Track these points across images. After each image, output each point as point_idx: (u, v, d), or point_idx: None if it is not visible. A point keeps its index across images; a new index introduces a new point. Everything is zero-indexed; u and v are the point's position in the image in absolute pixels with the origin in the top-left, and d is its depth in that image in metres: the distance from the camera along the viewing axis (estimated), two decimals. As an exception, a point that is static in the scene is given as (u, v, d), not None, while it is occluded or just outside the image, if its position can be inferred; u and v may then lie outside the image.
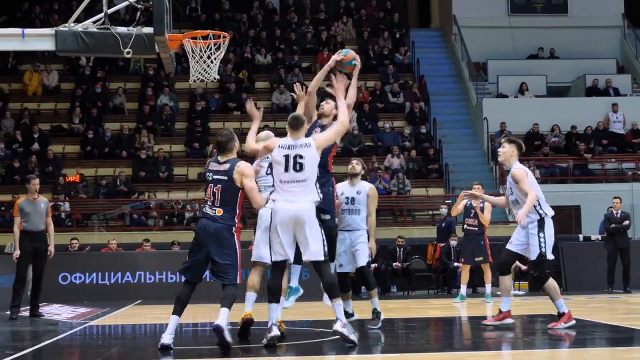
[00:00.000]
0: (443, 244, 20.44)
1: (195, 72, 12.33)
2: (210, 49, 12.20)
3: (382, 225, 24.66)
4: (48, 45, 11.92)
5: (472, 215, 16.43)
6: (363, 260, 10.85)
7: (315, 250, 8.98)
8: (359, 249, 10.84)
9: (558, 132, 28.24)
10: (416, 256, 21.04)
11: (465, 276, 16.72)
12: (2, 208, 24.29)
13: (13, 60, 29.63)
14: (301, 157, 9.05)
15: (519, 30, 31.82)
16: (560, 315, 10.42)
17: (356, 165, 11.34)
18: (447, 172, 26.52)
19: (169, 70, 14.03)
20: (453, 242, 19.98)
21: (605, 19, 32.36)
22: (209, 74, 12.35)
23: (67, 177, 25.37)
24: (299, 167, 9.05)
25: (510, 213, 20.78)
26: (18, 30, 11.99)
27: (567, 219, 25.78)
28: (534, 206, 10.48)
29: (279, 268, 9.20)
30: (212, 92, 29.10)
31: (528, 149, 27.41)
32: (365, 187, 11.20)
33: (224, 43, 12.25)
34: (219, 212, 9.03)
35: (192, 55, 12.24)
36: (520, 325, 11.03)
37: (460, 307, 15.10)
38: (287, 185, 9.04)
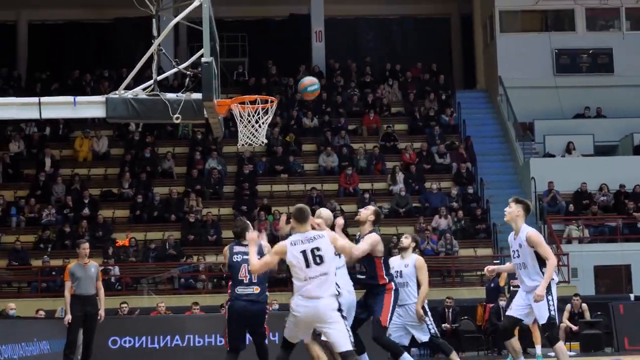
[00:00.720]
0: (492, 305, 20.22)
1: (243, 136, 12.36)
2: (258, 114, 12.27)
3: (430, 286, 24.50)
4: (99, 112, 12.11)
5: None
6: (424, 336, 11.02)
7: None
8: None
9: (606, 191, 28.01)
10: (465, 317, 20.85)
11: (537, 335, 16.12)
12: (53, 273, 24.53)
13: (64, 127, 30.13)
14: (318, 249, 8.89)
15: (564, 89, 31.74)
16: None
17: (404, 239, 11.55)
18: (495, 232, 26.35)
19: (217, 134, 14.15)
20: (502, 303, 19.68)
21: (652, 78, 32.21)
22: (257, 138, 12.38)
23: (117, 241, 25.60)
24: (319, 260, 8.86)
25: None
26: (70, 98, 12.19)
27: (617, 278, 25.51)
28: (541, 271, 10.15)
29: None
30: (259, 155, 29.30)
31: (576, 208, 27.27)
32: (413, 259, 11.29)
33: (271, 107, 12.33)
34: (257, 289, 9.10)
35: (240, 120, 12.31)
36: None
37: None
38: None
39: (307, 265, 8.75)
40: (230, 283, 10.03)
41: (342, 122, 30.88)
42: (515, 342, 10.57)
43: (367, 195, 27.20)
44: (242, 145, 12.55)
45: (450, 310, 20.63)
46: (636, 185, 27.92)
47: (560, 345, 10.28)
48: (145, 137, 29.66)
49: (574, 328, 19.55)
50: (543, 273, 10.11)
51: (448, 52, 36.48)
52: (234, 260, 9.56)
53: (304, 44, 34.25)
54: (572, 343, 19.78)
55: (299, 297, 8.76)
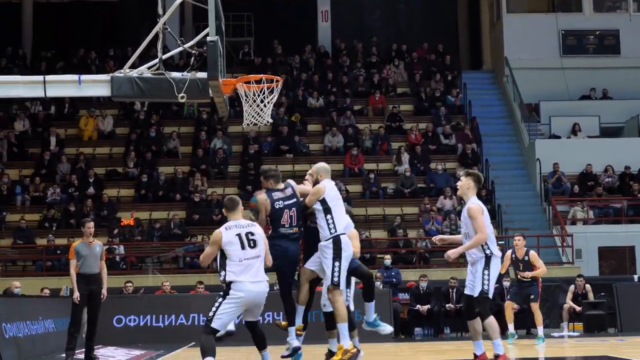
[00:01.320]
0: (496, 285, 20.22)
1: (248, 115, 12.38)
2: (264, 93, 12.28)
3: (434, 266, 24.61)
4: (104, 91, 12.13)
5: (521, 268, 16.43)
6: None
7: None
8: None
9: (611, 173, 28.01)
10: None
11: (509, 314, 16.48)
12: (58, 252, 24.61)
13: (69, 106, 30.15)
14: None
15: (571, 71, 31.69)
16: (496, 356, 10.11)
17: None
18: (500, 213, 26.36)
19: (223, 114, 14.16)
20: (506, 283, 19.72)
21: (658, 60, 32.12)
22: (262, 117, 12.39)
23: (122, 220, 25.66)
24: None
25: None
26: (75, 77, 12.22)
27: (621, 259, 25.52)
28: (481, 245, 10.16)
29: None
30: (264, 135, 29.32)
31: (581, 189, 27.27)
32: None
33: (277, 87, 12.33)
34: (296, 230, 10.19)
35: (246, 99, 12.32)
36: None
37: (511, 348, 14.84)
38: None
39: (243, 247, 9.43)
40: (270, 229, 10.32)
41: (348, 103, 30.87)
42: (477, 324, 10.27)
43: (372, 176, 27.21)
44: (247, 124, 12.57)
45: (454, 290, 20.66)
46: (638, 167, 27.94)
47: (490, 321, 10.14)
48: (151, 117, 29.67)
49: (577, 309, 19.58)
50: (482, 248, 10.15)
51: (454, 33, 36.37)
52: (277, 207, 10.15)
53: (310, 24, 34.21)
54: (575, 324, 19.83)
55: (242, 281, 9.35)
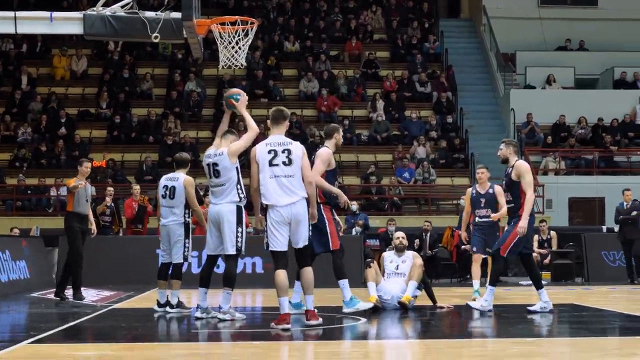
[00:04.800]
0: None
1: (223, 57, 12.33)
2: (239, 35, 12.20)
3: (406, 214, 24.73)
4: (76, 29, 12.00)
5: (482, 205, 13.94)
6: None
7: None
8: None
9: (584, 124, 28.12)
10: (440, 245, 21.04)
11: (477, 270, 14.02)
12: (29, 192, 24.50)
13: (41, 44, 29.81)
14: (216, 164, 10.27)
15: (548, 21, 31.69)
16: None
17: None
18: (472, 162, 26.45)
19: (197, 55, 14.07)
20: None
21: (635, 12, 32.09)
22: (236, 60, 12.34)
23: (94, 161, 25.49)
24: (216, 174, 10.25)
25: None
26: (46, 14, 12.07)
27: (591, 210, 25.74)
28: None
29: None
30: (239, 78, 29.16)
31: (554, 140, 27.41)
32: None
33: (252, 29, 12.25)
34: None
35: (221, 41, 12.25)
36: (536, 315, 10.99)
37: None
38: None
39: (210, 177, 10.28)
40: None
41: (324, 48, 30.71)
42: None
43: (346, 122, 27.19)
44: (222, 67, 12.52)
45: (428, 235, 20.76)
46: (614, 119, 28.05)
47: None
48: (125, 57, 29.41)
49: (543, 252, 19.80)
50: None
51: (432, -20, 36.18)
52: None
53: (287, -33, 33.87)
54: (543, 272, 20.00)
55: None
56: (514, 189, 11.22)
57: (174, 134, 26.43)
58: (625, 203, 19.64)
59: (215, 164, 10.29)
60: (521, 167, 11.18)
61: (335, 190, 10.84)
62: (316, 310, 9.42)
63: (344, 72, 29.94)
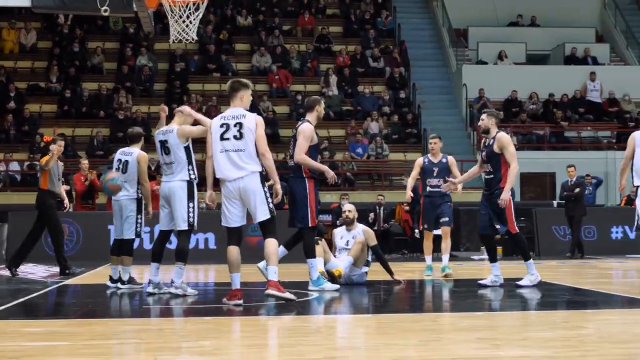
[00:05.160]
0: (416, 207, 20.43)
1: (174, 31, 12.24)
2: (189, 9, 12.10)
3: (360, 189, 24.78)
4: (23, 1, 11.83)
5: (435, 174, 13.53)
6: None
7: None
8: None
9: (536, 100, 28.35)
10: (393, 220, 21.11)
11: (428, 245, 13.74)
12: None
13: (-10, 17, 29.36)
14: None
15: (500, -4, 31.85)
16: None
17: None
18: (425, 137, 26.53)
19: (148, 29, 13.96)
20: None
21: (586, -12, 32.39)
22: (187, 34, 12.26)
23: (44, 136, 25.22)
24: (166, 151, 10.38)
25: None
26: (-7, -14, 11.89)
27: (542, 185, 26.00)
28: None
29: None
30: (191, 53, 28.96)
31: (506, 115, 27.57)
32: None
33: (202, 3, 12.16)
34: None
35: (171, 15, 12.15)
36: (487, 289, 11.08)
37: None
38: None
39: (160, 154, 10.38)
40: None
41: (277, 22, 30.58)
42: None
43: (299, 97, 27.13)
44: (173, 41, 12.42)
45: (382, 209, 20.81)
46: (565, 94, 28.30)
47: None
48: (75, 31, 29.06)
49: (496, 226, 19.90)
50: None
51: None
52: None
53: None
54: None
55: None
56: (495, 161, 11.22)
57: (126, 109, 26.20)
58: (569, 179, 19.83)
59: (164, 141, 10.30)
60: (504, 138, 11.24)
61: (321, 167, 10.78)
62: (278, 281, 9.28)
63: (296, 47, 29.86)
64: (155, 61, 28.68)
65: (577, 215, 19.44)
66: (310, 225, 10.66)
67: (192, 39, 12.51)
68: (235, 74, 28.23)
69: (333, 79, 28.17)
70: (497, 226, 11.16)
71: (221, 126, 9.23)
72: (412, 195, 14.29)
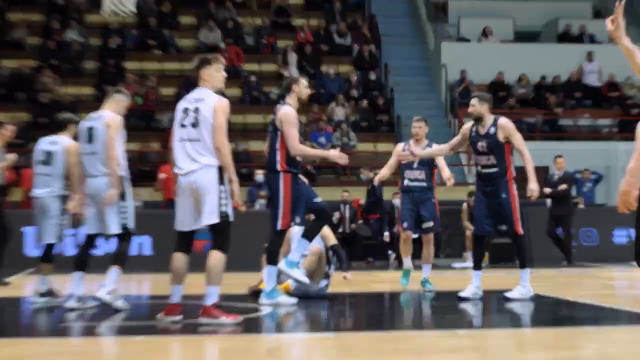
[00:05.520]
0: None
1: (108, 2, 12.05)
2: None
3: (322, 184, 24.54)
4: None
5: (415, 166, 12.89)
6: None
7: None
8: None
9: (526, 83, 28.36)
10: (361, 221, 20.92)
11: (407, 247, 13.01)
12: None
13: None
14: None
15: (484, -35, 31.86)
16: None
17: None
18: (399, 125, 26.45)
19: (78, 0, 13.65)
20: (396, 201, 19.11)
21: (582, -44, 32.49)
22: (124, 5, 12.07)
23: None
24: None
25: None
26: None
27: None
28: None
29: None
30: (129, 27, 28.69)
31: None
32: None
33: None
34: None
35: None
36: (469, 302, 10.95)
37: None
38: None
39: (84, 142, 10.30)
40: None
41: (228, -8, 30.38)
42: None
43: (253, 78, 26.93)
44: (108, 14, 12.22)
45: (348, 207, 20.64)
46: (558, 76, 28.32)
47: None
48: (-7, 1, 28.77)
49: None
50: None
51: None
52: None
53: None
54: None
55: None
56: (500, 151, 11.18)
57: (51, 91, 25.87)
58: (557, 172, 19.47)
59: (90, 128, 10.25)
60: (508, 125, 11.24)
61: (323, 153, 10.91)
62: (215, 305, 8.83)
63: (251, 20, 29.68)
64: (87, 36, 28.42)
65: (564, 216, 19.14)
66: (278, 229, 10.35)
67: (131, 12, 12.29)
68: (180, 52, 28.02)
69: (292, 58, 28.03)
70: (503, 227, 11.03)
71: (182, 111, 8.92)
72: (376, 185, 14.05)
